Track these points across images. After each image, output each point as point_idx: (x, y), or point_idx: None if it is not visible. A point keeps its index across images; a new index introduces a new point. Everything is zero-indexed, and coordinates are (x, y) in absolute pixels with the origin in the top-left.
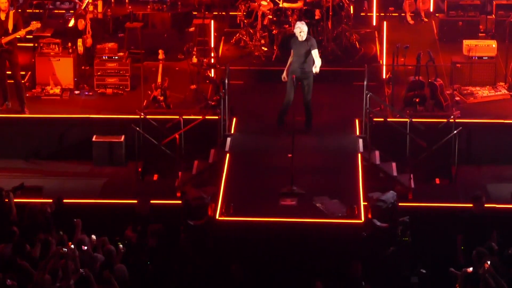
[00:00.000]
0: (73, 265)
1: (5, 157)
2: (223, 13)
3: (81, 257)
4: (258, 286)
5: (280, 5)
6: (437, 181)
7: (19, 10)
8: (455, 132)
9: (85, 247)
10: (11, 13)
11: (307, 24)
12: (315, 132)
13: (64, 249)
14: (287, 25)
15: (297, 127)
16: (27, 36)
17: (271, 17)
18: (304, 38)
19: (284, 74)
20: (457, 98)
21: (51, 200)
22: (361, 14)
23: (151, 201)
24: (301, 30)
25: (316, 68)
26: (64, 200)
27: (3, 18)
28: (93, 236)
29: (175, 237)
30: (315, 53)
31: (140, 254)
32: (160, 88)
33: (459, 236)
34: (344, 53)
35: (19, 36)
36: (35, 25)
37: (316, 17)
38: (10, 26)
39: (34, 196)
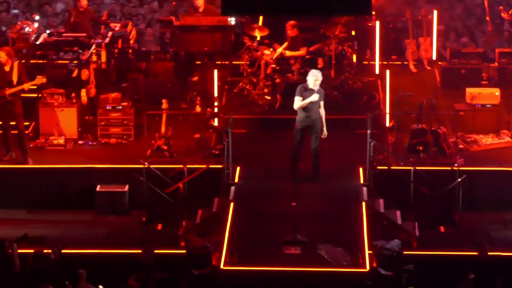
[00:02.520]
0: None
1: (7, 208)
2: (226, 62)
3: None
4: None
5: (281, 54)
6: (442, 229)
7: (22, 61)
8: (459, 180)
9: None
10: (15, 64)
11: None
12: (319, 179)
13: None
14: (290, 74)
15: (304, 175)
16: (31, 87)
17: (274, 66)
18: (317, 88)
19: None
20: (460, 146)
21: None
22: (364, 62)
23: (155, 250)
24: (316, 78)
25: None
26: (67, 250)
27: (7, 69)
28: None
29: (178, 286)
30: (322, 104)
31: None
32: (164, 138)
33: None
34: (347, 101)
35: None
36: (40, 79)
37: (319, 66)
38: (15, 78)
39: (37, 246)
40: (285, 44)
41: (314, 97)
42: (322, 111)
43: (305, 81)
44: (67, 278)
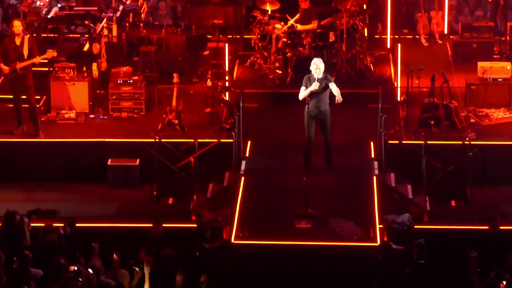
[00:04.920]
0: None
1: (20, 181)
2: (237, 36)
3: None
4: None
5: (294, 27)
6: (453, 203)
7: (34, 35)
8: (470, 154)
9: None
10: (26, 38)
11: (321, 46)
12: (333, 170)
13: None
14: (301, 48)
15: (319, 165)
16: (42, 61)
17: (285, 40)
18: (320, 76)
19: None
20: (472, 120)
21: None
22: (375, 36)
23: (165, 224)
24: (317, 67)
25: (338, 96)
26: (79, 224)
27: (18, 43)
28: (115, 255)
29: (189, 260)
30: (333, 86)
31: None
32: (175, 112)
33: (473, 255)
34: (358, 75)
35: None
36: (51, 53)
37: (330, 40)
38: (25, 51)
39: (48, 220)
40: (297, 16)
41: (314, 86)
42: (334, 91)
43: (316, 55)
44: (79, 251)
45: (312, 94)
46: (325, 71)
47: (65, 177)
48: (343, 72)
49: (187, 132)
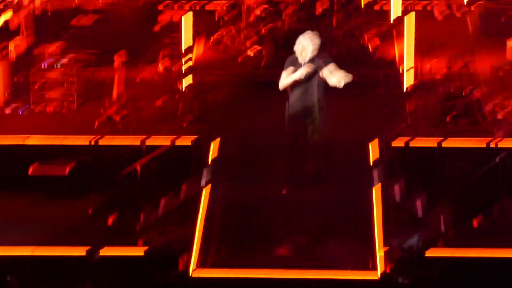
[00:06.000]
0: None
1: None
2: (198, 7)
3: None
4: None
5: None
6: (475, 223)
7: None
8: (497, 158)
9: None
10: None
11: (305, 20)
12: (325, 182)
13: None
14: (280, 22)
15: (304, 174)
16: None
17: (259, 12)
18: (306, 60)
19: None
20: (499, 115)
21: None
22: (375, 6)
23: (103, 251)
24: (303, 48)
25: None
26: None
27: None
28: None
29: None
30: (331, 68)
31: None
32: (117, 104)
33: None
34: (355, 57)
35: None
36: None
37: (317, 12)
38: None
39: None
40: None
41: (300, 73)
42: (333, 79)
43: (299, 31)
44: None
45: (295, 84)
46: (319, 51)
47: None
48: (334, 52)
49: (132, 131)
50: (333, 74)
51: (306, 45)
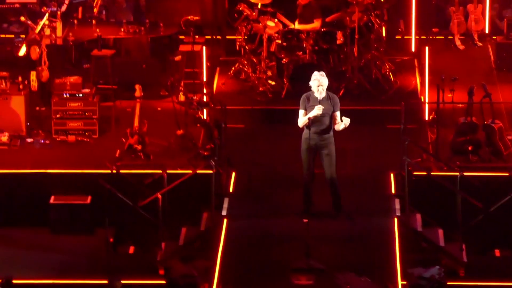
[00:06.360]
0: None
1: None
2: (218, 37)
3: None
4: None
5: (291, 27)
6: (497, 252)
7: None
8: None
9: None
10: None
11: (326, 50)
12: (343, 215)
13: None
14: (301, 52)
15: (323, 211)
16: None
17: (279, 41)
18: (323, 95)
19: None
20: None
21: None
22: (396, 37)
23: (124, 281)
24: (319, 83)
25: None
26: (14, 281)
27: None
28: None
29: None
30: (338, 115)
31: None
32: (137, 134)
33: None
34: (375, 87)
35: None
36: None
37: (338, 42)
38: None
39: None
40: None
41: (318, 110)
42: (339, 126)
43: (319, 61)
44: None
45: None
46: (329, 89)
47: None
48: (355, 83)
49: (153, 161)
50: (337, 120)
51: (320, 79)
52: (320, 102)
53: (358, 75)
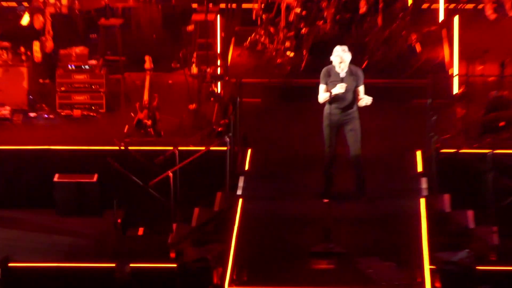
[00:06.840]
0: None
1: None
2: (233, 5)
3: None
4: None
5: None
6: None
7: None
8: None
9: None
10: None
11: (348, 20)
12: (365, 197)
13: None
14: (321, 22)
15: (345, 192)
16: None
17: (298, 11)
18: (345, 72)
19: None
20: None
21: None
22: (423, 6)
23: (133, 264)
24: (341, 59)
25: (366, 100)
26: (14, 264)
27: None
28: None
29: None
30: (361, 90)
31: None
32: (147, 109)
33: None
34: (400, 61)
35: None
36: None
37: (361, 11)
38: None
39: None
40: None
41: (340, 88)
42: (361, 103)
43: (340, 34)
44: None
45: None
46: (351, 62)
47: None
48: (379, 55)
49: (164, 138)
50: (360, 96)
51: (343, 55)
52: (343, 78)
53: (382, 47)
